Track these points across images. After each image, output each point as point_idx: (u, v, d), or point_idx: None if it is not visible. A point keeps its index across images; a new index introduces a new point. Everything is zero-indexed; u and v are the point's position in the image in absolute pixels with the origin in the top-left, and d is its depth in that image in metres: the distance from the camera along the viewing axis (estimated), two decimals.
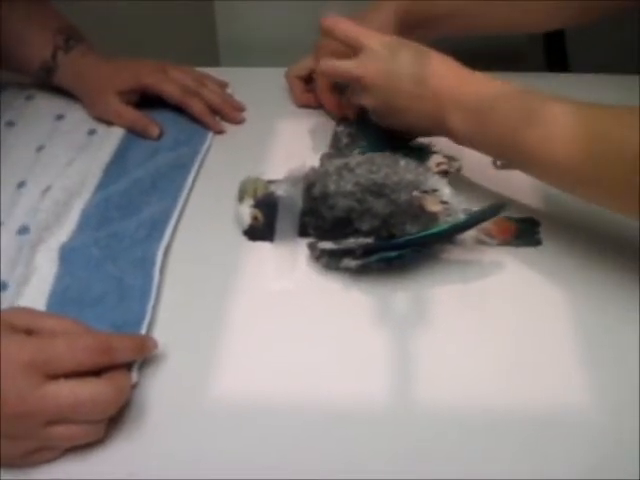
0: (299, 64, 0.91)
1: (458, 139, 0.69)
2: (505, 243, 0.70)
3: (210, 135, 0.87)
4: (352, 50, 0.74)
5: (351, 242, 0.67)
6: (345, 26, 0.76)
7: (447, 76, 0.70)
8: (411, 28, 0.86)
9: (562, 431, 0.55)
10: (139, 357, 0.58)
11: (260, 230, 0.71)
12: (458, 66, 0.71)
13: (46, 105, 0.92)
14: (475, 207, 0.66)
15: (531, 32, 0.99)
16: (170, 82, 0.88)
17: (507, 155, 0.67)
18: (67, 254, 0.70)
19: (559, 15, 0.88)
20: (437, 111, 0.69)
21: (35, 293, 0.66)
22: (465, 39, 0.96)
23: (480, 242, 0.69)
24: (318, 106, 0.90)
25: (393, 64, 0.71)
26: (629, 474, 0.52)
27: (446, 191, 0.68)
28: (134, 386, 0.57)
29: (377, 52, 0.72)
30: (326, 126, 0.86)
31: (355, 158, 0.70)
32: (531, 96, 0.65)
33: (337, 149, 0.79)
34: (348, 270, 0.67)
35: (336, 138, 0.82)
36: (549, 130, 0.62)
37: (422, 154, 0.73)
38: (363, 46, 0.73)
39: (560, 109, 0.62)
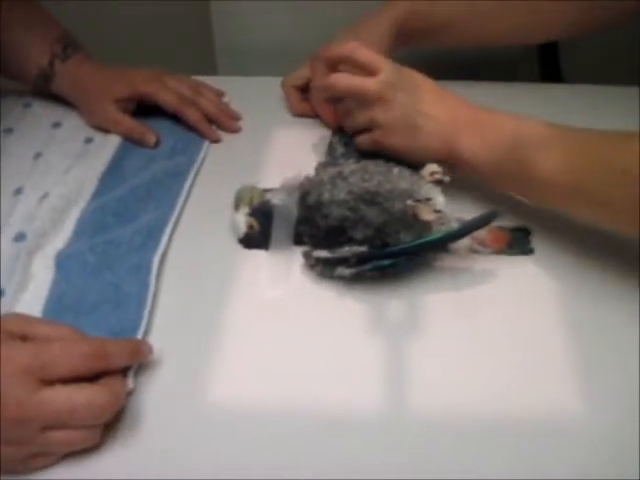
0: (295, 73, 0.91)
1: (465, 164, 0.71)
2: (498, 252, 0.71)
3: (206, 144, 0.87)
4: (368, 73, 0.75)
5: (345, 250, 0.67)
6: (365, 51, 0.76)
7: (464, 104, 0.73)
8: (408, 39, 0.87)
9: (556, 437, 0.56)
10: (134, 362, 0.59)
11: (255, 238, 0.72)
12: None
13: (43, 113, 0.93)
14: (468, 216, 0.67)
15: (527, 44, 1.00)
16: (167, 91, 0.88)
17: (510, 176, 0.69)
18: (63, 261, 0.70)
19: (556, 28, 0.89)
20: (451, 132, 0.71)
21: (32, 300, 0.66)
22: (460, 50, 0.97)
23: (473, 251, 0.70)
24: (314, 115, 0.90)
25: (414, 83, 0.75)
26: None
27: (440, 200, 0.68)
28: (130, 392, 0.58)
29: (397, 72, 0.74)
30: (322, 136, 0.86)
31: (349, 166, 0.71)
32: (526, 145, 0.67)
33: (333, 158, 0.80)
34: (342, 278, 0.67)
35: (332, 148, 0.82)
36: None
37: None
38: (382, 68, 0.74)
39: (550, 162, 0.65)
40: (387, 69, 0.74)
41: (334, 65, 0.81)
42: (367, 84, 0.74)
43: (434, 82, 0.76)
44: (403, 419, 0.58)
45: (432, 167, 0.71)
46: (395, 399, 0.59)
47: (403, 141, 0.74)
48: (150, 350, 0.60)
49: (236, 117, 0.92)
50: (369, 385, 0.60)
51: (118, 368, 0.56)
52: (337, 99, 0.83)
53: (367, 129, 0.77)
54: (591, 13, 0.85)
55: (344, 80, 0.76)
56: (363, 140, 0.77)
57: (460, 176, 0.72)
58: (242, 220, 0.71)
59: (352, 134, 0.80)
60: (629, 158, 0.60)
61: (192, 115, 0.88)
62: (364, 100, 0.75)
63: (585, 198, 0.63)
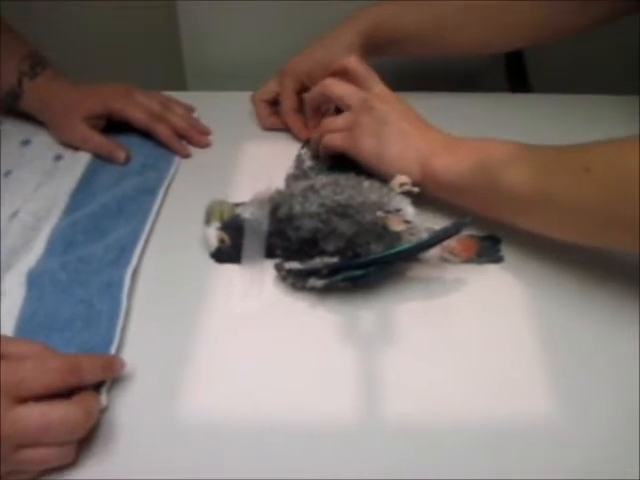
0: (264, 87, 0.92)
1: (437, 181, 0.72)
2: (468, 260, 0.71)
3: (177, 159, 0.87)
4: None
5: (317, 262, 0.68)
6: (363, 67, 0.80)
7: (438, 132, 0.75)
8: (375, 50, 0.88)
9: (529, 441, 0.57)
10: (108, 377, 0.59)
11: (227, 252, 0.72)
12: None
13: (12, 131, 0.92)
14: (438, 226, 0.68)
15: (493, 53, 1.01)
16: (136, 107, 0.88)
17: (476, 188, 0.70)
18: (35, 279, 0.70)
19: (521, 34, 0.90)
20: (428, 149, 0.73)
21: (3, 318, 0.66)
22: (428, 61, 0.98)
23: (444, 260, 0.71)
24: (284, 128, 0.91)
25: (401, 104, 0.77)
26: None
27: (409, 210, 0.69)
28: (103, 410, 0.58)
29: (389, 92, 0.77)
30: (292, 148, 0.86)
31: (320, 180, 0.72)
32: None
33: (301, 171, 0.81)
34: (314, 289, 0.68)
35: (300, 160, 0.83)
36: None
37: None
38: (374, 83, 0.78)
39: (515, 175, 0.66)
40: (378, 87, 0.77)
41: (302, 80, 0.83)
42: (353, 89, 0.78)
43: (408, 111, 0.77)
44: (377, 428, 0.58)
45: (401, 178, 0.71)
46: (369, 408, 0.59)
47: (377, 149, 0.74)
48: (123, 365, 0.60)
49: (206, 132, 0.92)
50: (343, 395, 0.60)
51: (91, 383, 0.56)
52: (316, 109, 0.84)
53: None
54: (553, 19, 0.87)
55: (332, 82, 0.79)
56: (334, 139, 0.78)
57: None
58: (213, 234, 0.71)
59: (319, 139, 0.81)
60: (590, 157, 0.62)
61: (162, 131, 0.88)
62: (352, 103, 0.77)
63: (552, 205, 0.64)
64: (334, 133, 0.78)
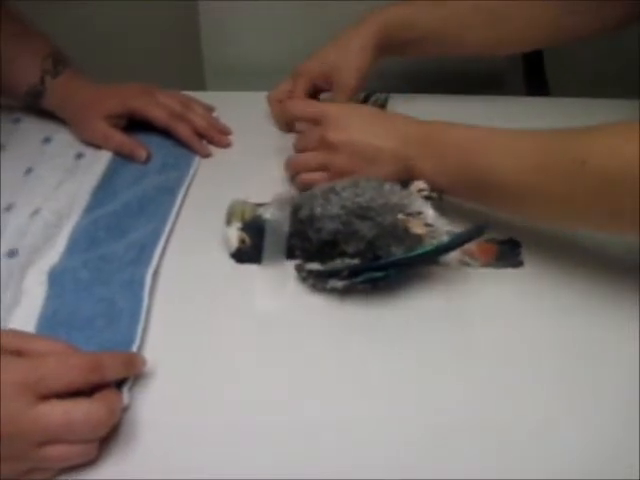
0: (278, 87, 0.92)
1: (425, 177, 0.72)
2: (487, 264, 0.71)
3: (197, 159, 0.88)
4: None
5: (337, 263, 0.68)
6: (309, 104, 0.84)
7: (414, 125, 0.75)
8: (390, 50, 0.88)
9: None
10: (129, 374, 0.59)
11: (247, 253, 0.72)
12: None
13: (34, 128, 0.93)
14: (458, 229, 0.68)
15: (505, 54, 1.01)
16: (157, 106, 0.89)
17: (468, 185, 0.70)
18: (56, 276, 0.70)
19: (533, 35, 0.90)
20: (405, 158, 0.73)
21: (25, 316, 0.66)
22: (446, 63, 0.98)
23: (463, 263, 0.71)
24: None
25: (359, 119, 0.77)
26: None
27: (430, 213, 0.69)
28: (125, 408, 0.58)
29: (345, 110, 0.79)
30: None
31: (341, 182, 0.72)
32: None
33: None
34: (334, 291, 0.68)
35: None
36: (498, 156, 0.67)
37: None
38: (322, 114, 0.78)
39: (503, 165, 0.66)
40: (328, 113, 0.77)
41: (314, 81, 0.85)
42: (323, 105, 0.79)
43: (379, 111, 0.79)
44: (395, 428, 0.58)
45: (419, 184, 0.71)
46: (388, 408, 0.59)
47: (361, 174, 0.74)
48: (144, 362, 0.61)
49: (226, 132, 0.93)
50: (362, 395, 0.60)
51: (113, 380, 0.57)
52: None
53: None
54: (566, 20, 0.86)
55: (297, 105, 0.81)
56: (315, 180, 0.77)
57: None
58: (234, 235, 0.72)
59: None
60: (586, 149, 0.61)
61: (182, 130, 0.89)
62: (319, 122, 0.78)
63: (544, 197, 0.64)
64: (312, 173, 0.78)
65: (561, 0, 0.84)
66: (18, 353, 0.55)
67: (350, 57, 0.85)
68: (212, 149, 0.90)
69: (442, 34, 0.89)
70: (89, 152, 0.89)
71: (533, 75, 1.18)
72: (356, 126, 0.76)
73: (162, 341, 0.65)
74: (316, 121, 0.78)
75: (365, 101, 0.91)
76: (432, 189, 0.71)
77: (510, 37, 0.90)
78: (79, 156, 0.88)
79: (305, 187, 0.77)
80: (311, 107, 0.81)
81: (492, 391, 0.61)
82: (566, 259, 0.71)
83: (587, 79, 1.12)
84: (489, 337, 0.65)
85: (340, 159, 0.75)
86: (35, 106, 0.92)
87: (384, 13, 0.88)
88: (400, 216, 0.68)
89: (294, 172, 0.80)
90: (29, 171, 0.85)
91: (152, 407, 0.59)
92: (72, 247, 0.74)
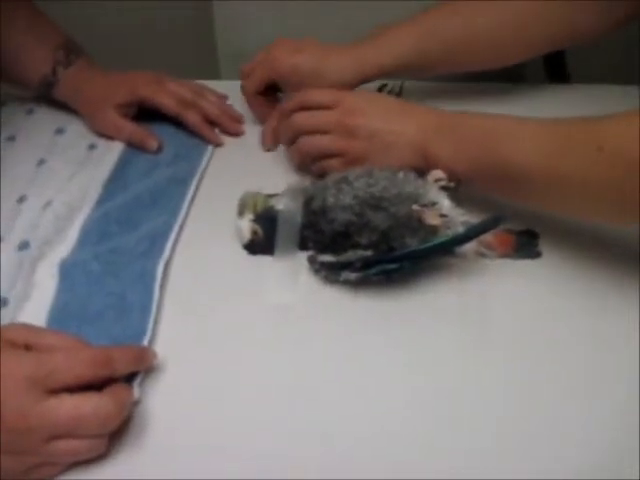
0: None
1: (444, 169, 0.70)
2: (505, 255, 0.70)
3: (209, 149, 0.87)
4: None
5: (351, 255, 0.67)
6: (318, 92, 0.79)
7: (432, 113, 0.74)
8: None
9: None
10: (139, 368, 0.59)
11: (260, 244, 0.71)
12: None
13: (46, 119, 0.93)
14: (474, 220, 0.67)
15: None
16: (166, 94, 0.88)
17: (487, 173, 0.69)
18: (67, 269, 0.70)
19: (545, 35, 0.88)
20: (422, 143, 0.72)
21: (35, 309, 0.66)
22: None
23: (480, 255, 0.69)
24: None
25: (377, 105, 0.76)
26: None
27: (445, 204, 0.68)
28: (136, 402, 0.57)
29: (358, 98, 0.77)
30: None
31: (354, 171, 0.71)
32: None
33: None
34: (348, 282, 0.67)
35: None
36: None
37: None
38: (339, 100, 0.77)
39: (522, 152, 0.65)
40: (345, 99, 0.76)
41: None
42: (327, 116, 0.76)
43: (397, 99, 0.78)
44: (411, 420, 0.58)
45: (437, 174, 0.70)
46: (403, 402, 0.59)
47: (377, 161, 0.73)
48: (154, 356, 0.60)
49: (239, 119, 0.91)
50: (376, 387, 0.60)
51: (123, 375, 0.56)
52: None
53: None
54: (577, 20, 0.84)
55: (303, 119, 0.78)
56: (333, 166, 0.76)
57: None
58: (246, 226, 0.71)
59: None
60: (603, 135, 0.60)
61: (192, 118, 0.88)
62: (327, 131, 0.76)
63: (562, 185, 0.63)
64: (330, 159, 0.77)
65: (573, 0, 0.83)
66: (28, 347, 0.55)
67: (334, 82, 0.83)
68: (225, 140, 0.89)
69: (454, 56, 0.86)
70: (101, 143, 0.88)
71: (553, 61, 1.16)
72: (374, 112, 0.75)
73: (173, 334, 0.64)
74: (329, 106, 0.77)
75: (380, 91, 0.89)
76: (450, 179, 0.70)
77: (532, 43, 0.88)
78: (91, 147, 0.88)
79: (321, 174, 0.76)
80: (327, 92, 0.79)
81: (511, 382, 0.60)
82: (585, 250, 0.70)
83: (608, 65, 1.10)
84: (507, 330, 0.64)
85: (359, 144, 0.74)
86: (48, 96, 0.91)
87: (385, 56, 0.83)
88: (414, 207, 0.66)
89: (307, 155, 0.79)
90: (41, 162, 0.85)
91: (163, 401, 0.59)
92: (83, 240, 0.74)
